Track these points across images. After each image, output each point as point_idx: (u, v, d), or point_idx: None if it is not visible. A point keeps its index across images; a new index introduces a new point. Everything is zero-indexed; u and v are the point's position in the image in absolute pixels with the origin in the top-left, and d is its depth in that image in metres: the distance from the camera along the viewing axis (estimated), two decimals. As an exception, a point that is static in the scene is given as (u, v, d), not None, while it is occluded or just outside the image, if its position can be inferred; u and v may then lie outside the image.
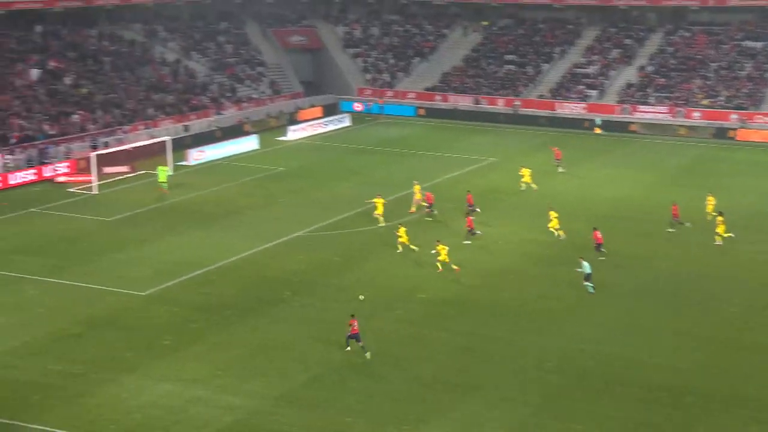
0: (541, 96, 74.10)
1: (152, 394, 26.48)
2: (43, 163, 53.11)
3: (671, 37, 77.40)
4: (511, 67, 78.42)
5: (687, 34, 77.24)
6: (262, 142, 62.56)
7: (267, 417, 25.37)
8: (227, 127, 65.78)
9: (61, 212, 45.91)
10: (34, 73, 62.14)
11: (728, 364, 28.89)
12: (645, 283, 36.16)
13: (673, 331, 31.41)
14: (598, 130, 68.36)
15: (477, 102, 74.35)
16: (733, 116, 67.57)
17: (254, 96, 73.75)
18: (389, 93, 77.89)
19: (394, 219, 43.48)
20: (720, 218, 40.92)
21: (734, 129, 66.60)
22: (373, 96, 77.45)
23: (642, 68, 74.59)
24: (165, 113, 65.20)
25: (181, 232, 42.37)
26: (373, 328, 31.30)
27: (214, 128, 64.90)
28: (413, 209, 45.15)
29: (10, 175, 51.05)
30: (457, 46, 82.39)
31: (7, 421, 24.89)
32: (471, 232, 40.59)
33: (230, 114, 68.74)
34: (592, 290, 34.36)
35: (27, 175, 51.75)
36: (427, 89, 77.44)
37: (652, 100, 71.11)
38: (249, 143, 62.01)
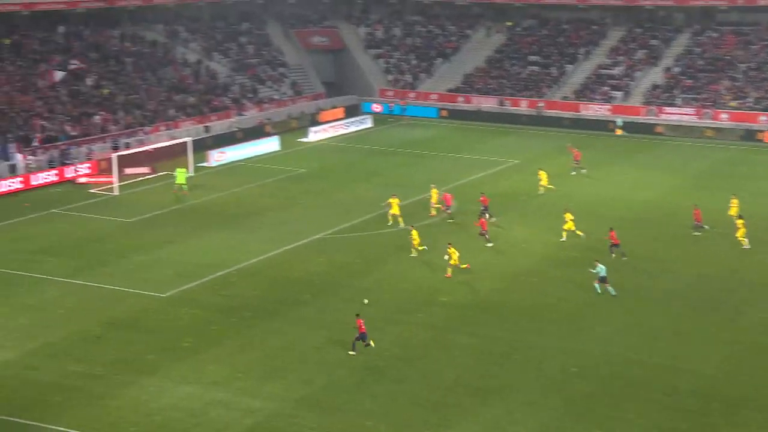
0: (565, 97, 73.82)
1: (172, 396, 26.65)
2: (65, 164, 53.62)
3: (699, 38, 76.83)
4: (535, 68, 78.20)
5: (715, 35, 76.63)
6: (283, 144, 62.79)
7: (287, 420, 25.46)
8: (248, 128, 66.09)
9: (83, 213, 46.33)
10: (59, 74, 62.77)
11: (756, 370, 28.64)
12: (669, 287, 35.93)
13: (698, 336, 31.19)
14: (619, 131, 67.99)
15: (501, 103, 74.18)
16: (762, 118, 66.97)
17: (275, 97, 74.05)
18: (411, 94, 77.92)
19: (413, 221, 43.48)
20: (740, 221, 40.63)
21: (763, 131, 66.00)
22: (395, 97, 77.51)
23: (668, 69, 74.13)
24: (186, 114, 65.63)
25: (202, 233, 42.62)
26: (395, 331, 31.34)
27: (235, 129, 65.23)
28: (433, 212, 45.13)
29: (32, 176, 51.59)
30: (480, 47, 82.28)
31: (28, 422, 25.14)
32: (483, 234, 40.53)
33: (251, 115, 69.05)
34: (614, 292, 34.21)
35: (49, 176, 52.28)
36: (450, 90, 77.39)
37: (678, 101, 70.64)
38: (270, 144, 62.27)
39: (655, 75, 74.07)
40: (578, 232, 40.76)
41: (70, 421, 25.21)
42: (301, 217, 45.52)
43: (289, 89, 76.49)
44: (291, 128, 68.58)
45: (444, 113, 75.17)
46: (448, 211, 44.58)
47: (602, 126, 69.25)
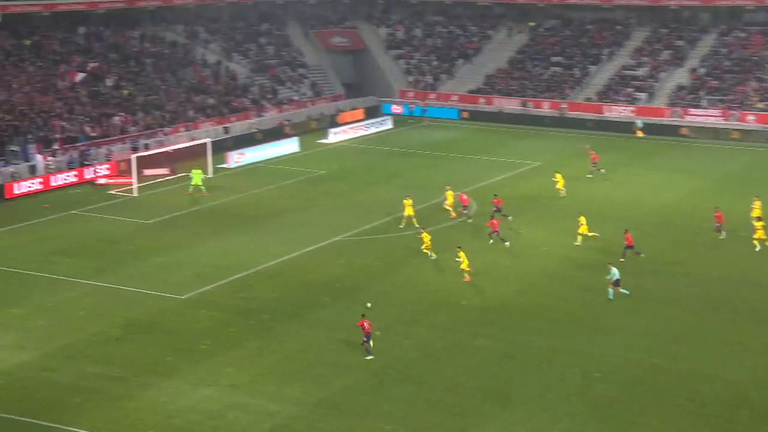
0: (588, 99, 73.50)
1: (191, 398, 26.77)
2: (84, 165, 54.01)
3: (725, 38, 76.24)
4: (558, 69, 77.93)
5: (742, 35, 76.00)
6: (302, 145, 62.95)
7: (305, 423, 25.50)
8: (267, 129, 66.29)
9: (102, 214, 46.67)
10: (80, 74, 63.28)
11: (783, 378, 28.38)
12: (692, 291, 35.69)
13: (724, 341, 30.92)
14: (639, 133, 67.58)
15: (524, 105, 73.97)
16: (790, 120, 66.42)
17: (295, 98, 74.26)
18: (432, 95, 77.88)
19: (433, 224, 43.49)
20: (759, 224, 40.29)
21: (790, 133, 65.46)
22: (416, 98, 77.49)
23: (694, 70, 73.61)
24: (205, 115, 65.96)
25: (221, 235, 42.80)
26: (414, 334, 31.33)
27: (254, 130, 65.47)
28: (453, 214, 45.12)
29: (51, 177, 52.02)
30: (501, 48, 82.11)
31: (47, 424, 25.34)
32: (494, 234, 40.52)
33: (271, 116, 69.27)
34: (611, 296, 34.01)
35: (68, 177, 52.69)
36: (471, 92, 77.27)
37: (704, 103, 70.12)
38: (289, 146, 62.44)
39: (681, 76, 73.60)
40: (590, 234, 40.63)
41: (89, 422, 25.38)
42: (321, 219, 45.60)
43: (309, 90, 76.68)
44: (310, 129, 68.73)
45: (465, 115, 75.06)
46: (465, 212, 44.55)
47: (626, 128, 68.84)
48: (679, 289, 35.82)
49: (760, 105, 68.23)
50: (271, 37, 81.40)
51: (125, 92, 64.05)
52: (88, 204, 48.57)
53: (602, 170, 54.17)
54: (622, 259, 38.02)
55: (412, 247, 40.38)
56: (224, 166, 57.05)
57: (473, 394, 27.11)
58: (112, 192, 51.25)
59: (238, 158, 58.26)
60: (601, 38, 79.81)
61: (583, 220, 40.71)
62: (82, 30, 69.65)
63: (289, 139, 63.58)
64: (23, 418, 25.56)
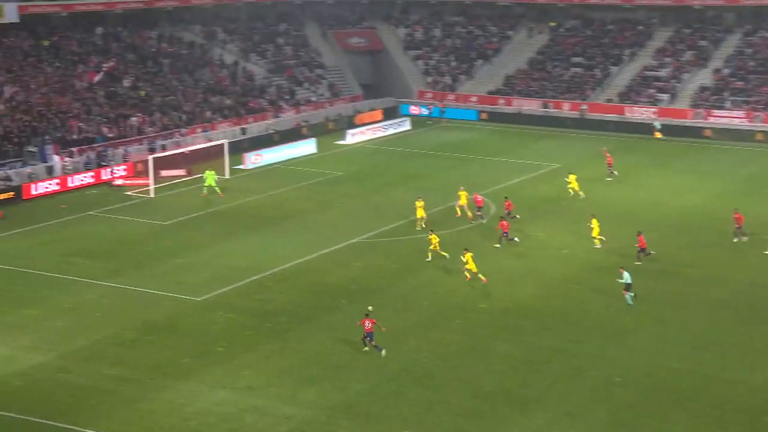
0: (609, 100, 73.17)
1: (207, 401, 26.84)
2: (102, 166, 54.32)
3: (750, 38, 75.67)
4: (578, 69, 77.63)
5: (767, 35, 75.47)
6: (320, 146, 63.04)
7: (322, 427, 25.51)
8: (285, 130, 66.42)
9: (119, 215, 46.93)
10: (99, 75, 63.70)
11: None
12: (714, 295, 35.45)
13: (748, 347, 30.66)
14: (658, 135, 67.20)
15: (545, 106, 73.73)
16: (816, 122, 65.84)
17: (313, 99, 74.39)
18: (450, 96, 77.80)
19: (451, 226, 43.44)
20: None
21: (816, 135, 64.88)
22: (434, 99, 77.42)
23: (717, 71, 73.11)
24: (223, 116, 66.20)
25: (238, 236, 42.93)
26: (432, 337, 31.29)
27: (271, 131, 65.62)
28: (459, 213, 45.13)
29: (68, 178, 52.36)
30: (521, 48, 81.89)
31: (63, 425, 25.48)
32: (504, 237, 40.50)
33: (288, 117, 69.41)
34: (630, 302, 33.83)
35: (85, 178, 53.02)
36: (490, 92, 77.12)
37: (728, 104, 69.63)
38: (307, 147, 62.54)
39: (704, 77, 73.10)
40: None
41: (105, 424, 25.51)
42: (338, 221, 45.65)
43: (327, 91, 76.79)
44: (328, 130, 68.80)
45: (484, 116, 74.92)
46: (479, 214, 44.54)
47: (647, 129, 68.41)
48: (699, 293, 35.57)
49: (785, 106, 67.75)
50: (289, 38, 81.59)
51: (142, 93, 64.39)
52: (105, 205, 48.86)
53: (615, 173, 53.90)
54: (638, 263, 37.86)
55: (429, 250, 40.28)
56: (241, 167, 57.22)
57: (492, 399, 27.03)
58: (129, 193, 51.52)
59: (255, 159, 58.42)
60: (622, 38, 79.42)
61: (595, 222, 40.53)
62: (99, 30, 70.10)
63: (306, 141, 63.66)
64: (40, 420, 25.71)
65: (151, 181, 51.17)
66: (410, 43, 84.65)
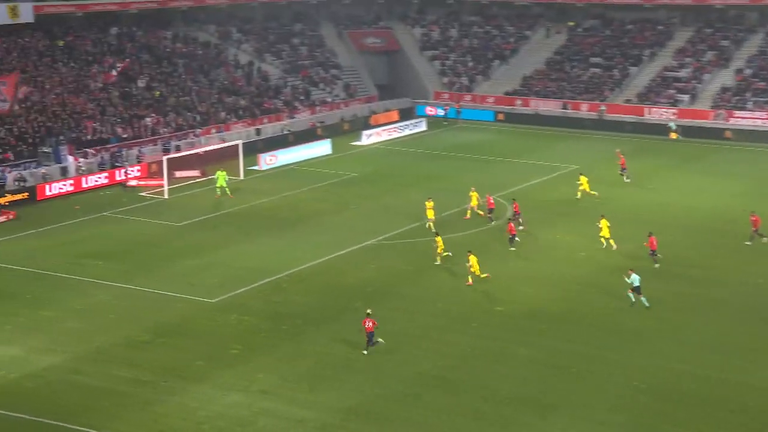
0: (628, 101, 72.78)
1: (221, 404, 26.79)
2: (116, 167, 54.48)
3: (772, 38, 75.19)
4: (597, 70, 77.28)
5: (790, 35, 74.95)
6: (335, 147, 63.00)
7: (337, 431, 25.39)
8: (300, 131, 66.42)
9: (132, 216, 47.03)
10: (113, 73, 63.93)
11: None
12: (735, 298, 35.14)
13: (770, 353, 30.37)
14: (674, 135, 66.74)
15: (564, 107, 73.39)
16: (839, 123, 65.20)
17: (328, 99, 74.39)
18: (467, 97, 77.61)
19: (468, 228, 43.26)
20: None
21: (840, 136, 64.24)
22: (451, 100, 77.26)
23: (740, 71, 72.57)
24: (237, 117, 66.29)
25: (252, 238, 42.92)
26: (449, 341, 31.13)
27: (286, 132, 65.65)
28: (468, 215, 45.07)
29: (83, 179, 52.53)
30: (539, 48, 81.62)
31: (76, 427, 25.49)
32: (512, 238, 40.40)
33: (303, 118, 69.43)
34: (632, 302, 33.63)
35: (99, 179, 53.18)
36: (507, 93, 76.87)
37: (749, 105, 69.09)
38: (322, 148, 62.51)
39: (725, 77, 72.58)
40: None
41: (118, 427, 25.50)
42: (353, 222, 45.57)
43: (342, 91, 76.77)
44: (343, 131, 68.76)
45: (501, 117, 74.68)
46: (490, 216, 44.37)
47: (666, 131, 68.01)
48: (719, 297, 35.25)
49: (808, 107, 67.14)
50: (305, 38, 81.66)
51: (157, 93, 64.58)
52: (119, 206, 48.98)
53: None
54: (657, 265, 37.56)
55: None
56: (256, 168, 57.26)
57: (511, 404, 26.84)
58: (143, 194, 51.64)
59: (269, 160, 58.44)
60: (642, 38, 79.00)
61: (604, 223, 40.31)
62: (114, 30, 70.36)
63: (321, 141, 63.63)
64: (52, 422, 25.73)
65: (165, 181, 51.26)
66: (426, 43, 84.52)
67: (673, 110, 70.12)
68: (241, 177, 54.62)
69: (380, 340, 29.93)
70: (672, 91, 72.40)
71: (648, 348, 30.66)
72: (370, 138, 66.59)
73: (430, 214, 43.32)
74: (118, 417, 26.03)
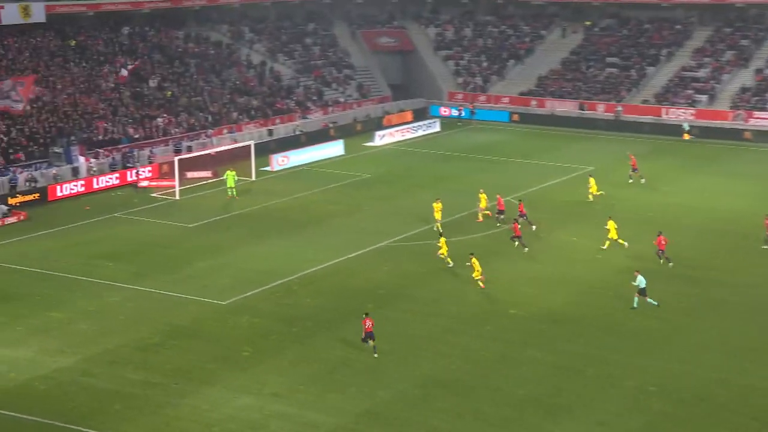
0: (645, 101, 72.61)
1: (232, 407, 26.96)
2: (127, 167, 54.81)
3: (793, 37, 74.85)
4: (613, 70, 77.14)
5: (812, 34, 74.59)
6: (347, 148, 63.15)
7: (348, 434, 25.57)
8: (312, 131, 66.60)
9: (144, 218, 47.32)
10: (124, 71, 64.32)
11: None
12: (751, 301, 35.04)
13: (788, 358, 30.29)
14: (686, 136, 66.54)
15: (582, 108, 73.27)
16: None
17: (341, 100, 74.56)
18: (482, 97, 77.63)
19: (476, 231, 43.29)
20: None
21: None
22: (465, 100, 77.30)
23: (759, 71, 72.27)
24: (249, 117, 66.55)
25: (263, 240, 43.11)
26: (461, 344, 31.21)
27: (298, 133, 65.85)
28: (480, 218, 45.08)
29: (94, 179, 52.87)
30: (554, 48, 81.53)
31: (87, 430, 25.68)
32: (516, 239, 40.49)
33: (315, 118, 69.62)
34: (636, 305, 33.70)
35: (110, 180, 53.52)
36: (522, 94, 76.84)
37: (770, 105, 68.89)
38: (334, 149, 62.68)
39: (745, 77, 72.31)
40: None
41: (129, 429, 25.71)
42: (365, 224, 45.69)
43: (355, 92, 76.93)
44: (356, 132, 68.90)
45: (515, 117, 74.67)
46: (502, 217, 44.39)
47: (681, 131, 67.74)
48: (734, 300, 35.19)
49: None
50: (317, 38, 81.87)
51: (168, 93, 64.93)
52: (131, 207, 49.29)
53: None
54: (671, 264, 37.66)
55: (458, 254, 40.18)
56: (267, 169, 57.48)
57: (523, 407, 26.90)
58: (154, 195, 51.93)
59: (281, 161, 58.67)
60: (659, 38, 78.80)
61: (612, 225, 40.29)
62: (126, 30, 70.77)
63: (333, 142, 63.80)
64: (63, 424, 25.95)
65: (176, 182, 51.54)
66: (441, 43, 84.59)
67: (691, 111, 69.90)
68: (253, 178, 54.86)
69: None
70: (690, 92, 72.19)
71: (661, 351, 30.64)
72: (383, 139, 66.72)
73: (438, 215, 43.39)
74: (129, 419, 26.24)
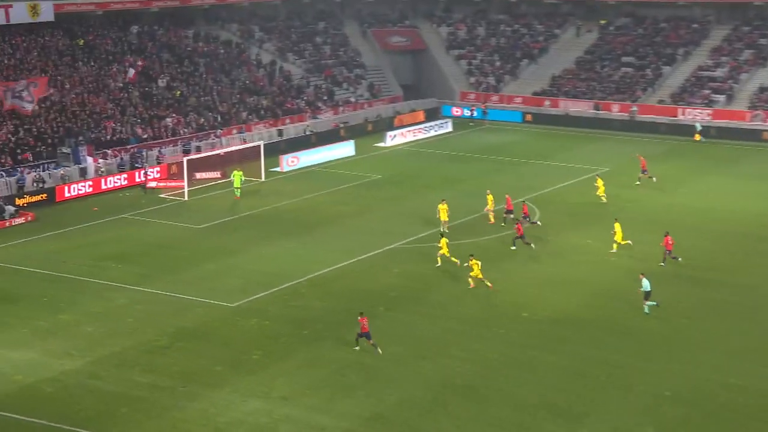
0: (661, 101, 72.34)
1: (240, 411, 26.96)
2: (135, 168, 54.94)
3: (812, 36, 74.44)
4: (629, 69, 76.89)
5: (831, 32, 74.17)
6: (358, 148, 63.14)
7: (358, 439, 25.52)
8: (322, 132, 66.62)
9: (152, 219, 47.42)
10: (130, 71, 64.52)
11: None
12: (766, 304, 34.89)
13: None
14: (697, 137, 66.23)
15: (597, 108, 73.05)
16: None
17: (351, 99, 74.57)
18: (494, 97, 77.51)
19: (487, 233, 43.21)
20: None
21: None
22: (477, 100, 77.21)
23: (777, 71, 71.99)
24: (259, 117, 66.63)
25: (272, 241, 43.13)
26: (474, 348, 31.14)
27: (308, 133, 65.88)
28: (492, 220, 45.02)
29: (102, 180, 53.03)
30: (569, 48, 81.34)
31: (94, 433, 25.82)
32: (519, 239, 40.52)
33: (326, 118, 69.65)
34: (647, 311, 33.49)
35: (118, 180, 53.67)
36: (536, 93, 76.70)
37: (788, 105, 68.52)
38: (345, 149, 62.68)
39: (763, 77, 71.95)
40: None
41: (136, 432, 25.78)
42: (376, 226, 45.66)
43: (366, 91, 76.92)
44: (367, 132, 68.89)
45: (529, 117, 74.52)
46: (511, 217, 44.32)
47: (702, 132, 67.47)
48: (751, 304, 34.98)
49: None
50: (328, 37, 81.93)
51: (177, 93, 65.08)
52: (139, 208, 49.40)
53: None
54: (680, 259, 37.86)
55: (469, 257, 40.11)
56: (277, 169, 57.53)
57: (537, 412, 26.81)
58: (163, 195, 52.04)
59: (291, 162, 58.71)
60: (676, 37, 78.51)
61: (618, 227, 40.15)
62: (134, 29, 70.99)
63: (344, 143, 63.80)
64: (70, 427, 25.99)
65: (185, 183, 51.64)
66: (453, 43, 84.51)
67: (708, 111, 69.60)
68: (263, 179, 54.91)
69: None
70: (707, 92, 71.88)
71: (676, 355, 30.49)
72: (394, 139, 66.68)
73: (444, 216, 43.31)
74: (136, 423, 26.27)
